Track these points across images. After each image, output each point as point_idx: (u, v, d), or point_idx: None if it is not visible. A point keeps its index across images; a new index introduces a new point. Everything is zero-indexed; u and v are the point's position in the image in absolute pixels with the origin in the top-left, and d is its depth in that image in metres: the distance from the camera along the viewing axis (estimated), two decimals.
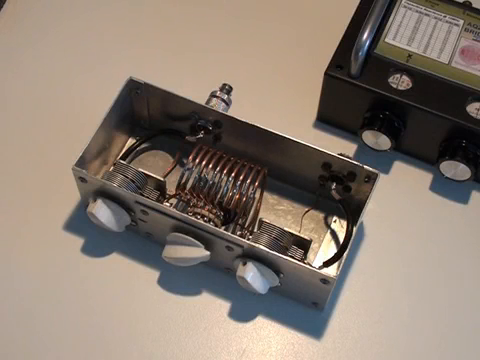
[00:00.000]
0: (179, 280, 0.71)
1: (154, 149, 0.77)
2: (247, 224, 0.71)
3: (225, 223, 0.70)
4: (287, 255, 0.66)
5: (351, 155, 0.72)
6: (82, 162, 0.69)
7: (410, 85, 0.74)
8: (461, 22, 0.77)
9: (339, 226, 0.73)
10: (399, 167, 0.78)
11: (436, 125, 0.73)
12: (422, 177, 0.77)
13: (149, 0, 0.88)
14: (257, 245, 0.65)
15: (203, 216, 0.68)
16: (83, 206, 0.73)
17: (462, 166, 0.73)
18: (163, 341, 0.69)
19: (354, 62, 0.73)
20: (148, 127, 0.77)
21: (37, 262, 0.72)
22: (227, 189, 0.69)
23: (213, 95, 0.73)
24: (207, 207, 0.69)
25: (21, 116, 0.80)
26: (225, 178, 0.69)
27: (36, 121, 0.80)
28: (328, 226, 0.73)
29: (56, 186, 0.76)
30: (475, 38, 0.77)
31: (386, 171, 0.77)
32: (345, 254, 0.66)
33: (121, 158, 0.74)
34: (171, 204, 0.70)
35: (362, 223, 0.74)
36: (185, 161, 0.71)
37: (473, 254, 0.74)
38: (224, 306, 0.71)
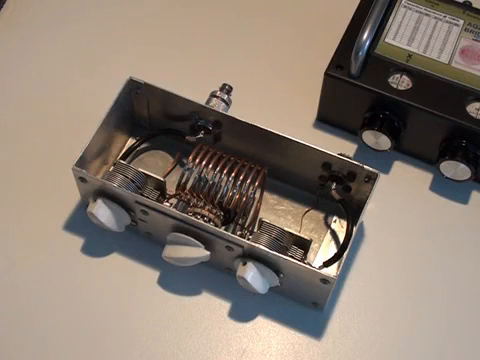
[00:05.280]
0: (179, 280, 0.71)
1: (154, 149, 0.77)
2: (247, 224, 0.71)
3: (225, 223, 0.70)
4: (287, 255, 0.66)
5: (351, 155, 0.72)
6: (82, 162, 0.69)
7: (410, 85, 0.74)
8: (461, 22, 0.77)
9: (339, 226, 0.73)
10: (399, 167, 0.78)
11: (436, 125, 0.73)
12: (422, 177, 0.77)
13: (149, 0, 0.88)
14: (257, 245, 0.65)
15: (203, 216, 0.68)
16: (83, 206, 0.73)
17: (462, 166, 0.73)
18: (163, 341, 0.69)
19: (354, 62, 0.73)
20: (148, 127, 0.77)
21: (37, 262, 0.72)
22: (227, 189, 0.69)
23: (213, 95, 0.73)
24: (207, 207, 0.69)
25: (21, 116, 0.80)
26: (225, 178, 0.69)
27: (36, 121, 0.80)
28: (328, 226, 0.73)
29: (56, 186, 0.75)
30: (475, 38, 0.77)
31: (386, 171, 0.77)
32: (345, 254, 0.66)
33: (121, 158, 0.74)
34: (171, 204, 0.70)
35: (362, 223, 0.74)
36: (185, 161, 0.71)
37: (473, 254, 0.74)
38: (224, 306, 0.71)
